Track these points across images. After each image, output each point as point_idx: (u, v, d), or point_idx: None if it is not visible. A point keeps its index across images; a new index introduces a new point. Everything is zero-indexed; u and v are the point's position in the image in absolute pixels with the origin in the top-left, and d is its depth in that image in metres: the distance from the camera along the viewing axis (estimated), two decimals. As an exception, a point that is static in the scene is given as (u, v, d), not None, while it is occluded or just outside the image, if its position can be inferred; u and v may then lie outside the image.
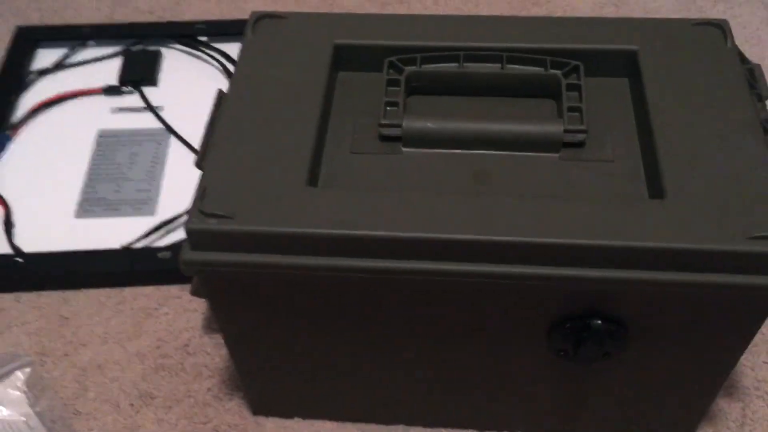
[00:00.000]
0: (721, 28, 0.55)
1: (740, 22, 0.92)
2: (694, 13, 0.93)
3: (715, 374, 0.53)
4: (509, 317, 0.50)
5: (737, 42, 0.90)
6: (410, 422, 0.62)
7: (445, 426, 0.62)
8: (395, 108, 0.52)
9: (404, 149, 0.52)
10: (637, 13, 0.93)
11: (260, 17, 0.57)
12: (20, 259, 0.71)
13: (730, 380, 0.64)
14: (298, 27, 0.56)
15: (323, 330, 0.53)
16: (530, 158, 0.51)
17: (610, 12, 0.94)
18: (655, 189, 0.48)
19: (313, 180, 0.49)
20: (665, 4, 0.94)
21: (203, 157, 0.50)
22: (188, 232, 0.46)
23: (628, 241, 0.44)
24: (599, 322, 0.49)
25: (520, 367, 0.54)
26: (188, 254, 0.47)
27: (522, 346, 0.52)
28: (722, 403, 0.63)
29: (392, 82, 0.53)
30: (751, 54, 0.88)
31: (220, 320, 0.54)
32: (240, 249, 0.46)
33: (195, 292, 0.60)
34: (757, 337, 0.66)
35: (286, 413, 0.63)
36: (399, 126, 0.51)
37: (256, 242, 0.46)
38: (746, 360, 0.65)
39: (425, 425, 0.62)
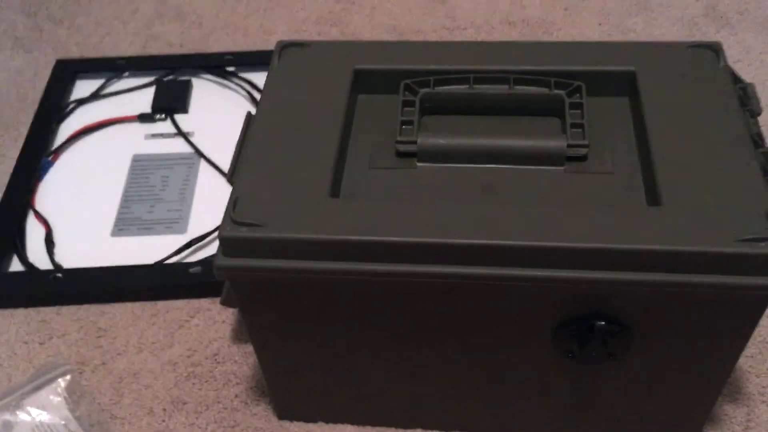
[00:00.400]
0: (714, 49, 0.58)
1: (744, 47, 0.96)
2: (698, 39, 0.96)
3: (715, 374, 0.56)
4: (520, 319, 0.53)
5: (740, 65, 0.94)
6: (428, 426, 0.65)
7: (460, 429, 0.65)
8: (410, 126, 0.56)
9: (419, 164, 0.56)
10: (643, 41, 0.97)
11: (286, 46, 0.62)
12: (60, 275, 0.75)
13: (735, 386, 0.66)
14: (320, 54, 0.61)
15: (343, 334, 0.56)
16: (536, 171, 0.55)
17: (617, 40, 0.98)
18: (653, 197, 0.51)
19: (335, 192, 0.53)
20: (670, 31, 0.98)
21: (234, 172, 0.54)
22: (221, 239, 0.50)
23: (628, 244, 0.48)
24: (602, 323, 0.52)
25: (531, 369, 0.57)
26: (221, 260, 0.51)
27: (532, 347, 0.55)
28: (727, 408, 0.65)
29: (407, 103, 0.57)
30: (755, 77, 0.92)
31: (248, 325, 0.57)
32: (268, 255, 0.50)
33: (224, 302, 0.64)
34: (762, 345, 0.69)
35: (310, 417, 0.66)
36: (414, 143, 0.55)
37: (283, 248, 0.50)
38: (751, 367, 0.67)
39: (442, 429, 0.65)
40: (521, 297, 0.52)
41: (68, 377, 0.67)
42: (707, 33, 0.97)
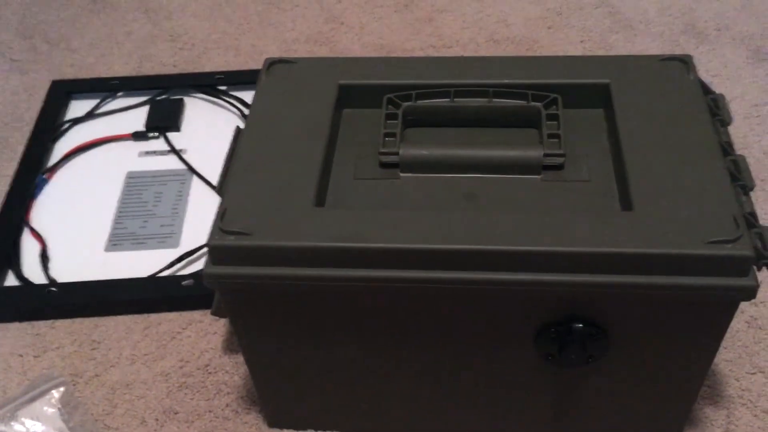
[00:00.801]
0: (684, 62, 0.61)
1: (722, 62, 0.98)
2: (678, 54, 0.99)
3: (692, 374, 0.57)
4: (503, 323, 0.55)
5: (719, 79, 0.97)
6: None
7: (448, 435, 0.66)
8: (393, 138, 0.58)
9: (402, 174, 0.58)
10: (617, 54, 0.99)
11: (273, 62, 0.64)
12: (55, 289, 0.76)
13: (715, 389, 0.68)
14: (306, 70, 0.63)
15: (330, 340, 0.58)
16: (515, 180, 0.57)
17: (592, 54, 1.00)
18: (626, 203, 0.53)
19: (320, 201, 0.55)
20: (651, 47, 1.00)
21: (223, 184, 0.56)
22: (209, 247, 0.52)
23: (602, 248, 0.49)
24: (580, 325, 0.53)
25: (515, 372, 0.59)
26: (210, 268, 0.53)
27: (515, 351, 0.57)
28: (708, 411, 0.66)
29: (391, 116, 0.59)
30: (733, 89, 0.94)
31: (238, 333, 0.59)
32: (255, 262, 0.52)
33: (215, 312, 0.65)
34: (741, 350, 0.70)
35: (300, 425, 0.67)
36: (396, 154, 0.57)
37: (269, 255, 0.51)
38: (731, 371, 0.69)
39: (430, 435, 0.66)
40: (502, 301, 0.53)
41: (62, 389, 0.68)
42: (687, 48, 1.00)
